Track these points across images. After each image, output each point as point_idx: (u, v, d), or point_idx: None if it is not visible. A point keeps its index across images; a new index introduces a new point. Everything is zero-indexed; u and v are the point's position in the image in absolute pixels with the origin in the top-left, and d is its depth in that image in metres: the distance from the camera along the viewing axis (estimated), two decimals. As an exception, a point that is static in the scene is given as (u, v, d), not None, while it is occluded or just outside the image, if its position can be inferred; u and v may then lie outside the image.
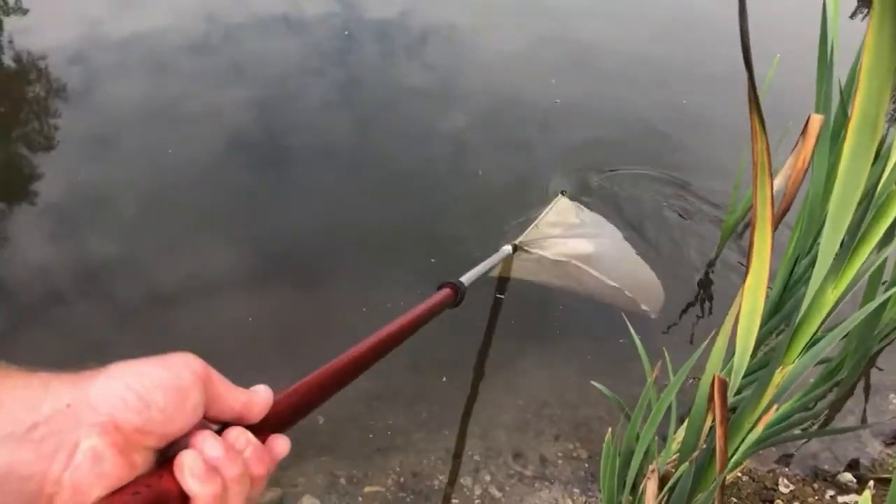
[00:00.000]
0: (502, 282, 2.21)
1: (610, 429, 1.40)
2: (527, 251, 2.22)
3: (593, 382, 1.60)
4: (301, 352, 1.92)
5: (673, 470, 1.53)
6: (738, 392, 1.40)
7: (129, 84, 2.96)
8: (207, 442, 0.42)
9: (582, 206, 2.47)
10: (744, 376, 1.07)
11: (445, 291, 1.24)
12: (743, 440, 1.14)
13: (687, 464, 1.13)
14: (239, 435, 0.44)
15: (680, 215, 2.58)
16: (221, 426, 0.46)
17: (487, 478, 1.80)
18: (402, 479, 1.77)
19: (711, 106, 3.21)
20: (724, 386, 1.00)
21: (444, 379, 2.00)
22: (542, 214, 2.34)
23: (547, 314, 2.19)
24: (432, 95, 3.11)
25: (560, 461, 1.87)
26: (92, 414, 0.37)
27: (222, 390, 0.44)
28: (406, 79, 3.21)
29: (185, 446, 0.41)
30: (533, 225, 2.28)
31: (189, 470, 0.40)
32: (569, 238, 2.27)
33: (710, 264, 2.40)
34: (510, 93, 3.18)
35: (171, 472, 0.40)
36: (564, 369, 2.06)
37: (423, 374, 2.00)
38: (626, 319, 1.69)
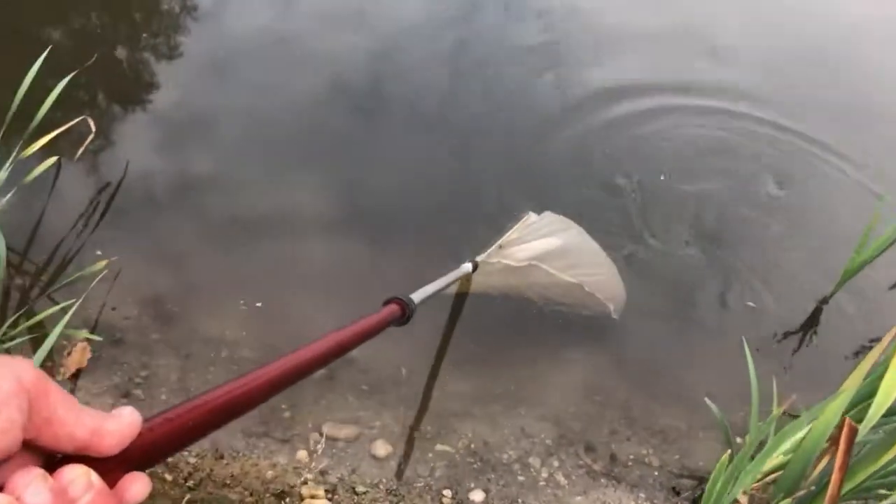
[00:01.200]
0: (460, 298, 2.09)
1: (728, 452, 1.33)
2: (489, 263, 2.03)
3: (707, 400, 1.55)
4: (366, 297, 1.96)
5: (756, 494, 1.49)
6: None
7: (255, 13, 3.04)
8: (29, 486, 0.30)
9: (549, 213, 2.25)
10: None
11: (392, 308, 1.11)
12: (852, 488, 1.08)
13: (789, 500, 1.09)
14: (78, 476, 0.32)
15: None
16: (61, 458, 0.34)
17: (556, 463, 1.80)
18: (472, 445, 1.80)
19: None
20: (853, 433, 0.95)
21: (534, 359, 2.00)
22: (507, 233, 2.13)
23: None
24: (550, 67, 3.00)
25: (630, 463, 1.84)
26: None
27: (61, 412, 0.33)
28: (522, 45, 3.11)
29: None
30: (496, 244, 2.08)
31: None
32: (530, 241, 2.14)
33: (824, 301, 2.26)
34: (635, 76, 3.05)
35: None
36: (657, 378, 2.02)
37: (514, 349, 2.01)
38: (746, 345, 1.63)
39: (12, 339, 1.64)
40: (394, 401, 1.85)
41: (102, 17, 2.96)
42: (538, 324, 2.06)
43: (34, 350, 1.71)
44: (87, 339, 1.75)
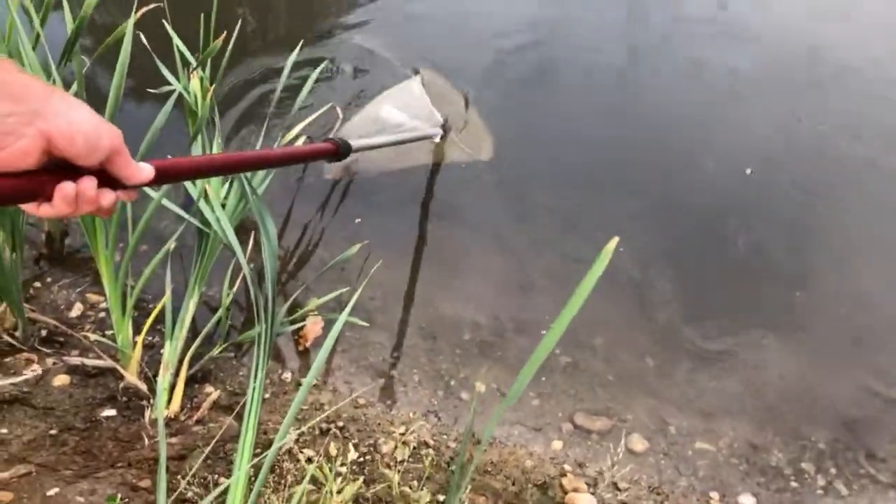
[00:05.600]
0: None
1: None
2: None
3: None
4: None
5: None
6: None
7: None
8: (86, 182, 0.59)
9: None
10: None
11: (325, 144, 1.37)
12: None
13: None
14: (105, 191, 0.62)
15: None
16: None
17: (833, 470, 1.63)
18: (735, 445, 1.67)
19: None
20: None
21: (798, 345, 1.82)
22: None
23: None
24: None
25: (923, 475, 1.63)
26: (42, 123, 0.53)
27: (121, 161, 0.61)
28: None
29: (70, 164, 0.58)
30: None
31: (63, 194, 0.58)
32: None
33: None
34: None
35: (53, 178, 0.57)
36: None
37: (774, 345, 1.84)
38: None
39: (290, 323, 1.71)
40: (643, 392, 1.76)
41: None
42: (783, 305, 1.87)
43: (299, 335, 1.80)
44: (353, 324, 1.81)
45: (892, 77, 2.58)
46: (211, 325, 1.75)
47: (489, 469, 1.60)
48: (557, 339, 0.83)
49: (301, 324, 1.79)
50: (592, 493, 1.57)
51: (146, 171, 0.66)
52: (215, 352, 1.71)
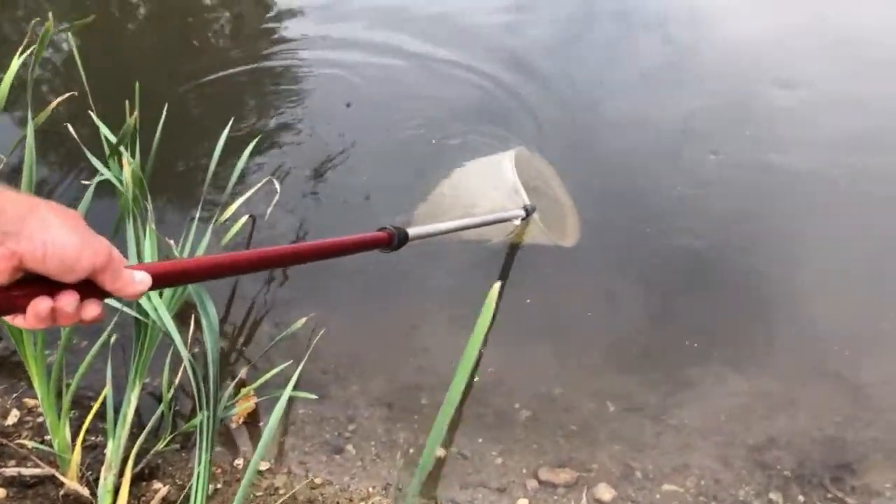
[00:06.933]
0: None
1: None
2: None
3: None
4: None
5: None
6: None
7: None
8: (64, 299, 0.55)
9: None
10: None
11: (379, 234, 1.23)
12: None
13: None
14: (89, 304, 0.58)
15: None
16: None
17: (801, 497, 1.61)
18: (702, 483, 1.65)
19: None
20: None
21: (754, 374, 1.82)
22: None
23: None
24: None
25: (889, 492, 1.62)
26: (13, 244, 0.51)
27: (107, 277, 0.57)
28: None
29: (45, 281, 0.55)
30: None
31: (35, 311, 0.55)
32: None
33: None
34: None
35: (27, 294, 0.54)
36: None
37: (722, 371, 1.85)
38: None
39: (228, 408, 1.66)
40: (605, 439, 1.73)
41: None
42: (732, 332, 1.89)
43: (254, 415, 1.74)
44: (304, 399, 1.76)
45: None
46: (156, 417, 1.69)
47: (454, 537, 1.54)
48: (461, 391, 0.82)
49: (246, 404, 1.73)
50: (564, 551, 1.52)
51: (139, 282, 0.61)
52: (160, 446, 1.63)
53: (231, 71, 2.89)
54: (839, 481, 1.64)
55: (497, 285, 0.77)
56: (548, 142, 2.48)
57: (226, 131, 1.93)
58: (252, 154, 2.13)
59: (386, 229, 1.25)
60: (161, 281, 0.66)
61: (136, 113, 1.68)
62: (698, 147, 2.44)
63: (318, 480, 1.65)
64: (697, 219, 2.21)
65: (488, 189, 2.08)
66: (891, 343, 1.88)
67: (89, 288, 0.57)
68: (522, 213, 1.97)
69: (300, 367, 1.32)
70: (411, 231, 1.32)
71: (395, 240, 1.24)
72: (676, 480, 1.65)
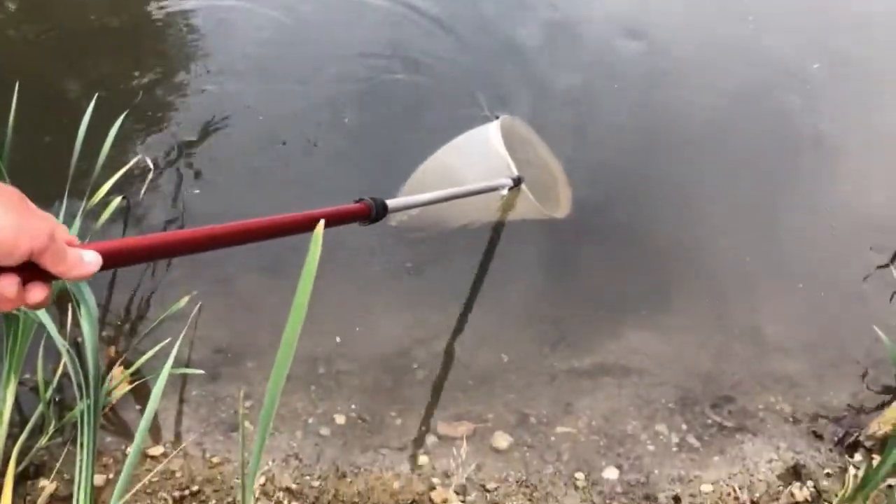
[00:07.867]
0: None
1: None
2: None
3: (875, 328, 1.45)
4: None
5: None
6: None
7: None
8: (5, 281, 0.51)
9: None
10: None
11: (357, 206, 1.18)
12: None
13: None
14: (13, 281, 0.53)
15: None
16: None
17: (684, 426, 1.71)
18: (592, 422, 1.72)
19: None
20: None
21: (636, 318, 1.91)
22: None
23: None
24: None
25: (761, 413, 1.74)
26: None
27: (50, 258, 0.52)
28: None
29: None
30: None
31: None
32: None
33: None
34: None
35: None
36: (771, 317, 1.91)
37: (609, 317, 1.92)
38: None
39: (109, 393, 1.61)
40: (502, 389, 1.78)
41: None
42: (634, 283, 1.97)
43: (138, 397, 1.69)
44: (191, 375, 1.72)
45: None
46: (39, 411, 1.62)
47: (356, 500, 1.56)
48: (292, 352, 0.81)
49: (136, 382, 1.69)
50: (462, 501, 1.56)
51: (87, 262, 0.57)
52: (43, 441, 1.57)
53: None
54: (717, 407, 1.75)
55: (321, 223, 0.76)
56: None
57: (90, 108, 1.81)
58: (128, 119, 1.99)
59: (363, 200, 1.20)
60: (113, 260, 0.62)
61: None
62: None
63: (215, 459, 1.62)
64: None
65: (479, 167, 1.95)
66: (757, 279, 2.00)
67: (33, 270, 0.53)
68: (509, 182, 1.88)
69: (178, 343, 1.28)
70: (390, 202, 1.27)
71: (374, 211, 1.20)
72: (569, 422, 1.72)
